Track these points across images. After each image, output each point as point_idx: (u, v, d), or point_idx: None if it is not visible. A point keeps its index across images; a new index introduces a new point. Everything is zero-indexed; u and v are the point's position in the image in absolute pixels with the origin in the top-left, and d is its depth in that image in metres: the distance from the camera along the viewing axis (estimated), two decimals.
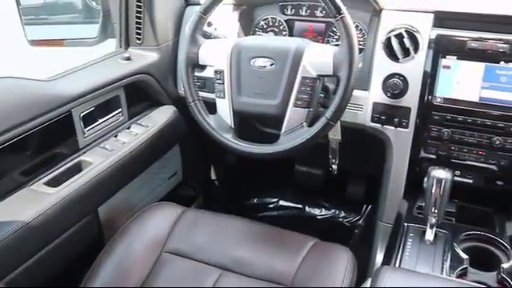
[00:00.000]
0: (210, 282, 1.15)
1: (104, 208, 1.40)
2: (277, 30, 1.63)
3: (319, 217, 2.05)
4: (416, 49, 1.34)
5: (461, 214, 1.38)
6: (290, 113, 1.20)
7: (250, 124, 1.42)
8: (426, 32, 1.33)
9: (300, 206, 2.09)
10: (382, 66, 1.36)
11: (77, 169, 1.31)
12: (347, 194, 2.01)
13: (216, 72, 1.27)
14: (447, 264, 1.17)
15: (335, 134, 1.37)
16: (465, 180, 1.38)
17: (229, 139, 1.25)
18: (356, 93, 1.35)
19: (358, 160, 1.64)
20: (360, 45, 1.45)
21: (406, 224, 1.32)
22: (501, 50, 1.26)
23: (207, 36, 1.42)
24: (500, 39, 1.27)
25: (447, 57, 1.31)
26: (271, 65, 1.22)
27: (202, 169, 2.09)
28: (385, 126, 1.39)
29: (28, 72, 1.26)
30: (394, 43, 1.35)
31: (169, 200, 1.44)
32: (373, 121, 1.39)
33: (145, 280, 1.17)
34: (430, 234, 1.22)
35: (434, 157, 1.38)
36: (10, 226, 1.08)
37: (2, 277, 1.06)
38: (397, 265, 1.18)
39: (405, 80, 1.33)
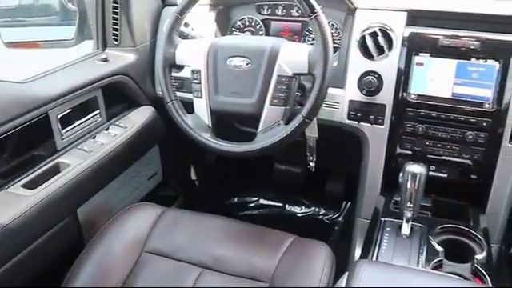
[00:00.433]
0: (191, 280, 1.16)
1: (83, 209, 1.39)
2: (253, 29, 1.64)
3: (299, 214, 2.07)
4: (390, 47, 1.36)
5: (436, 208, 1.40)
6: (266, 111, 1.21)
7: (227, 123, 1.43)
8: (400, 30, 1.36)
9: (280, 204, 2.11)
10: (357, 64, 1.39)
11: (55, 171, 1.31)
12: (326, 192, 2.03)
13: (193, 72, 1.28)
14: (423, 257, 1.19)
15: (312, 132, 1.39)
16: (440, 175, 1.41)
17: (206, 138, 1.26)
18: (332, 91, 1.38)
19: (336, 157, 1.66)
20: (335, 43, 1.48)
21: (382, 219, 1.34)
22: (472, 47, 1.30)
23: (184, 36, 1.43)
24: (471, 36, 1.31)
25: (420, 54, 1.34)
26: (247, 64, 1.23)
27: (182, 169, 2.10)
28: (361, 123, 1.41)
29: (4, 74, 1.26)
30: (369, 41, 1.37)
31: (149, 200, 1.44)
32: (349, 118, 1.42)
33: (125, 280, 1.16)
34: (405, 228, 1.24)
35: (409, 152, 1.40)
36: None
37: None
38: (374, 258, 1.20)
39: (379, 77, 1.36)
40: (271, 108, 1.21)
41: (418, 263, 1.18)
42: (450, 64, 1.32)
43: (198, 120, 1.28)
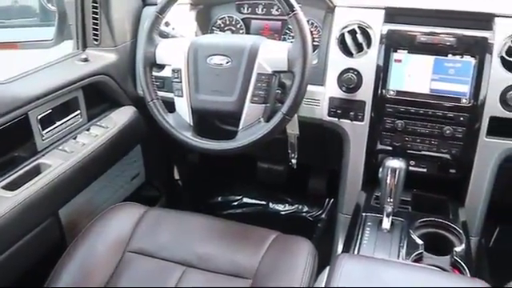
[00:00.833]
0: (174, 279, 1.16)
1: (65, 210, 1.38)
2: (234, 28, 1.65)
3: (283, 212, 2.08)
4: (369, 44, 1.38)
5: (416, 203, 1.42)
6: (247, 109, 1.22)
7: (209, 121, 1.44)
8: (378, 28, 1.38)
9: (264, 202, 2.12)
10: (337, 61, 1.40)
11: (35, 172, 1.30)
12: (309, 189, 2.05)
13: (173, 71, 1.28)
14: (403, 250, 1.21)
15: (293, 129, 1.40)
16: (419, 169, 1.43)
17: (188, 137, 1.26)
18: (312, 88, 1.40)
19: (318, 155, 1.67)
20: (315, 41, 1.50)
21: (364, 214, 1.36)
22: (448, 44, 1.32)
23: (164, 35, 1.43)
24: (448, 33, 1.33)
25: (398, 51, 1.36)
26: (227, 62, 1.23)
27: (165, 169, 2.09)
28: (341, 120, 1.42)
29: None
30: (348, 39, 1.39)
31: (132, 201, 1.44)
32: (329, 115, 1.43)
33: (108, 281, 1.16)
34: (386, 223, 1.26)
35: (389, 148, 1.42)
36: None
37: None
38: (355, 253, 1.21)
39: (359, 74, 1.38)
40: (251, 106, 1.22)
41: (398, 256, 1.19)
42: (428, 60, 1.34)
43: (179, 119, 1.28)
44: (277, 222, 2.04)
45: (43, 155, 1.36)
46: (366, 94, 1.38)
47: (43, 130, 1.35)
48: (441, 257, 1.18)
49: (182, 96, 1.27)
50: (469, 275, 1.12)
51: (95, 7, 1.54)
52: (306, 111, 1.43)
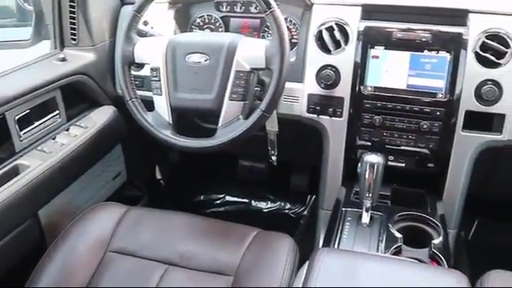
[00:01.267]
0: (156, 277, 1.16)
1: (45, 211, 1.37)
2: (213, 27, 1.65)
3: (265, 210, 2.10)
4: (346, 41, 1.40)
5: (396, 197, 1.44)
6: (225, 106, 1.22)
7: (189, 120, 1.44)
8: (355, 24, 1.39)
9: (246, 200, 2.13)
10: (315, 58, 1.42)
11: (14, 173, 1.28)
12: (291, 186, 2.06)
13: (152, 69, 1.28)
14: (382, 244, 1.22)
15: (272, 126, 1.41)
16: (398, 164, 1.45)
17: (167, 135, 1.26)
18: (291, 85, 1.41)
19: (298, 151, 1.68)
20: (294, 39, 1.51)
21: (344, 209, 1.37)
22: (424, 40, 1.34)
23: (143, 34, 1.43)
24: (423, 29, 1.35)
25: (375, 47, 1.38)
26: (206, 60, 1.24)
27: (147, 168, 2.09)
28: (320, 116, 1.44)
29: None
30: (326, 36, 1.40)
31: (114, 201, 1.43)
32: (308, 111, 1.44)
33: (89, 281, 1.16)
34: (365, 217, 1.28)
35: (368, 143, 1.44)
36: None
37: None
38: (335, 247, 1.23)
39: (337, 71, 1.39)
40: (230, 103, 1.22)
41: (377, 250, 1.21)
42: (404, 56, 1.36)
43: (159, 117, 1.28)
44: (259, 219, 2.05)
45: (21, 156, 1.34)
46: (344, 90, 1.40)
47: (21, 130, 1.34)
48: (419, 249, 1.20)
49: (160, 94, 1.27)
50: (446, 267, 1.14)
51: (72, 6, 1.53)
52: (285, 108, 1.44)
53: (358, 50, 1.38)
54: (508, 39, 1.30)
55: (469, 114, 1.34)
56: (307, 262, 1.02)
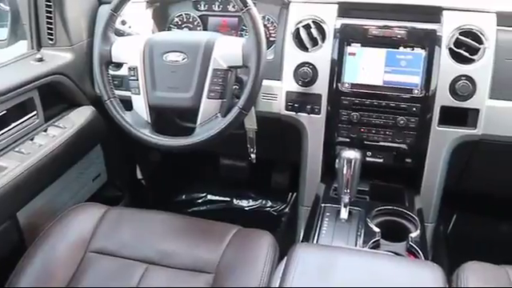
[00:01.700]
0: (137, 277, 1.16)
1: (23, 213, 1.36)
2: (191, 25, 1.65)
3: (247, 208, 2.11)
4: (323, 38, 1.41)
5: (374, 192, 1.46)
6: (204, 104, 1.23)
7: (169, 119, 1.44)
8: (332, 22, 1.41)
9: (228, 198, 2.14)
10: (293, 55, 1.43)
11: None
12: (273, 184, 2.07)
13: (130, 69, 1.28)
14: (361, 238, 1.24)
15: (251, 124, 1.41)
16: (376, 160, 1.47)
17: (145, 134, 1.26)
18: (269, 83, 1.42)
19: (278, 149, 1.69)
20: (272, 37, 1.52)
21: (323, 205, 1.39)
22: (399, 37, 1.36)
23: (121, 34, 1.42)
24: (399, 26, 1.37)
25: (352, 44, 1.40)
26: (183, 59, 1.24)
27: (127, 168, 2.08)
28: (298, 114, 1.45)
29: None
30: (303, 34, 1.41)
31: (94, 201, 1.42)
32: (287, 109, 1.45)
33: (69, 281, 1.15)
34: (344, 213, 1.29)
35: (346, 140, 1.46)
36: None
37: None
38: (314, 242, 1.23)
39: (314, 68, 1.40)
40: (208, 101, 1.22)
41: (356, 244, 1.22)
42: (380, 53, 1.38)
43: (137, 116, 1.28)
44: (241, 217, 2.05)
45: None
46: (321, 87, 1.41)
47: None
48: (397, 243, 1.22)
49: (138, 94, 1.27)
50: (423, 259, 1.16)
51: (49, 6, 1.51)
52: (264, 106, 1.45)
53: (335, 47, 1.40)
54: (481, 35, 1.33)
55: (444, 110, 1.36)
56: (285, 258, 1.03)
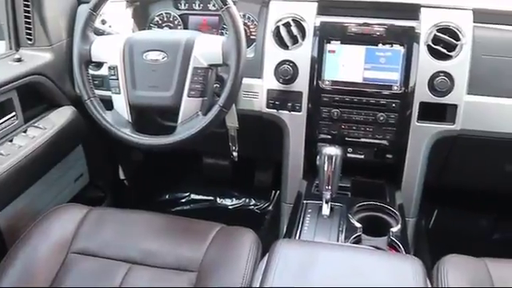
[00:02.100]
0: (119, 277, 1.15)
1: (3, 214, 1.35)
2: (172, 25, 1.64)
3: (230, 207, 2.11)
4: (303, 36, 1.42)
5: (356, 188, 1.47)
6: (184, 103, 1.23)
7: (150, 118, 1.43)
8: (311, 20, 1.42)
9: (211, 197, 2.14)
10: (273, 53, 1.44)
11: None
12: (256, 182, 2.08)
13: (110, 68, 1.27)
14: (343, 234, 1.25)
15: (233, 122, 1.42)
16: (357, 156, 1.49)
17: (126, 133, 1.26)
18: (250, 81, 1.42)
19: (260, 147, 1.69)
20: (252, 35, 1.53)
21: (305, 201, 1.39)
22: (378, 34, 1.38)
23: (100, 33, 1.42)
24: (377, 23, 1.39)
25: (332, 42, 1.41)
26: (163, 58, 1.24)
27: (110, 168, 2.06)
28: (280, 111, 1.46)
29: None
30: (283, 32, 1.42)
31: (76, 202, 1.41)
32: (268, 107, 1.46)
33: (51, 283, 1.14)
34: (325, 209, 1.30)
35: (328, 137, 1.47)
36: None
37: None
38: (296, 238, 1.24)
39: (295, 66, 1.41)
40: (189, 100, 1.22)
41: (338, 240, 1.23)
42: (360, 50, 1.39)
43: (118, 116, 1.28)
44: (225, 216, 2.06)
45: None
46: (302, 84, 1.42)
47: None
48: (378, 238, 1.23)
49: (119, 93, 1.27)
50: (404, 253, 1.17)
51: (27, 5, 1.50)
52: (245, 104, 1.46)
53: (315, 44, 1.41)
54: (458, 32, 1.35)
55: (423, 105, 1.38)
56: (267, 254, 1.03)
